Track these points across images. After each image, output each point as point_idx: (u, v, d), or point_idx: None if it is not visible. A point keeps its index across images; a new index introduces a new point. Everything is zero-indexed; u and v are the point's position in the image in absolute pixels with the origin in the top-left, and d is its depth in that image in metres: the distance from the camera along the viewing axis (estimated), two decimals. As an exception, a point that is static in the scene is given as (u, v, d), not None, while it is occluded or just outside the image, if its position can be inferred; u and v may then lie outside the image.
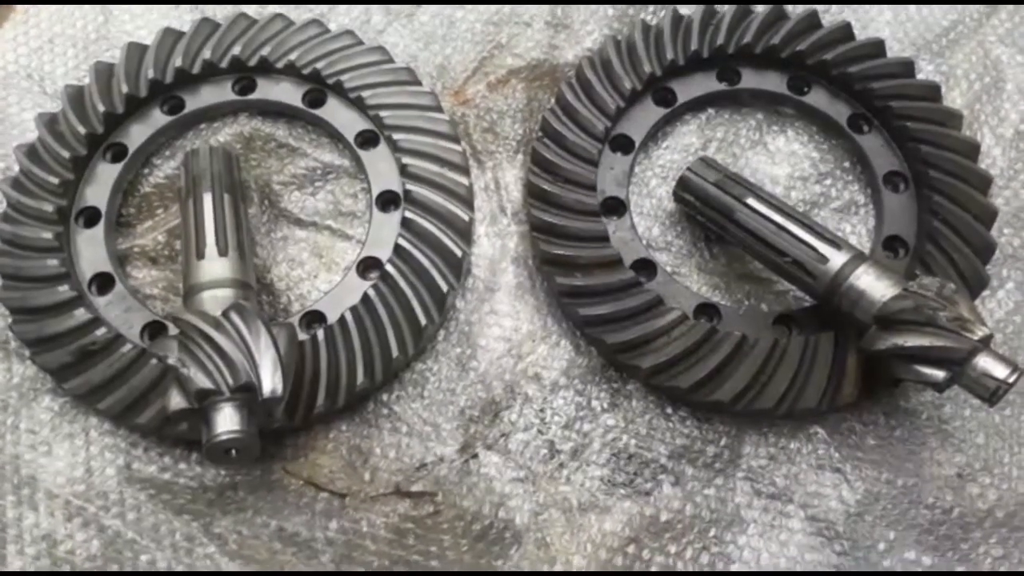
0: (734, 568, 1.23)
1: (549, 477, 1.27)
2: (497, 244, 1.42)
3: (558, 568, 1.21)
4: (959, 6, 1.61)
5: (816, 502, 1.26)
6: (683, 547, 1.23)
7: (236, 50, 1.45)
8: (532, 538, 1.23)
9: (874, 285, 1.19)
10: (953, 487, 1.27)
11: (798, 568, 1.23)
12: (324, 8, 1.59)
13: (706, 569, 1.22)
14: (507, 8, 1.59)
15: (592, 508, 1.25)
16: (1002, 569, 1.22)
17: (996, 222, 1.36)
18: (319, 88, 1.47)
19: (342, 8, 1.60)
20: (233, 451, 1.09)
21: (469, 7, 1.59)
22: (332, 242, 1.41)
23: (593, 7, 1.59)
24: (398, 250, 1.32)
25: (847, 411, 1.30)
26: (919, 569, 1.22)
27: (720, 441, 1.29)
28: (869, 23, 1.61)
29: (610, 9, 1.59)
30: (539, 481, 1.27)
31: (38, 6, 1.60)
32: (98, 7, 1.60)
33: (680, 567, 1.22)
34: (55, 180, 1.34)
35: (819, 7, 1.53)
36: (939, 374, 1.13)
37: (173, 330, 1.26)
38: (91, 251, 1.35)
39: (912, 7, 1.62)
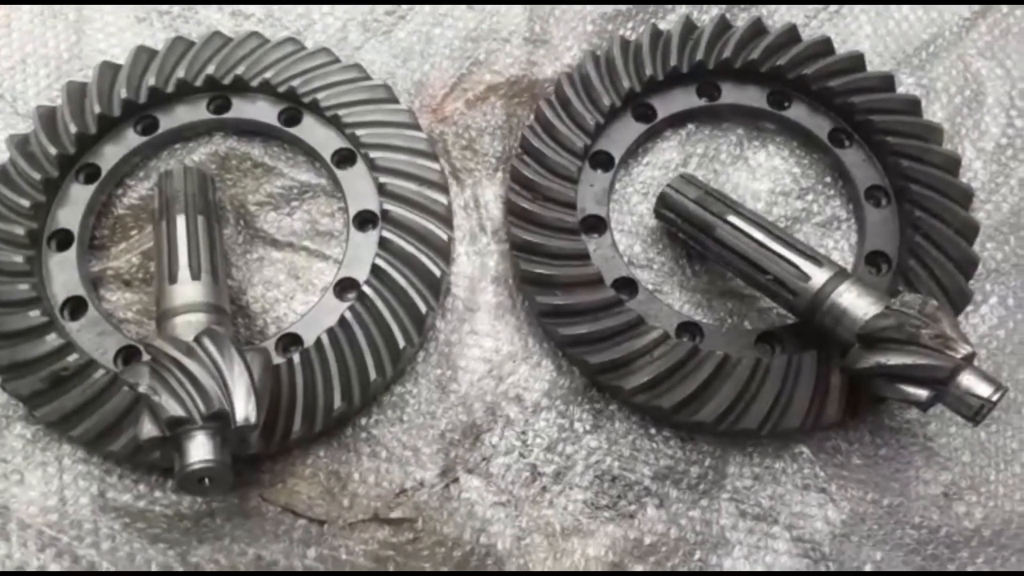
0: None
1: (532, 501, 1.25)
2: (477, 263, 1.41)
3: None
4: (939, 20, 1.61)
5: (802, 523, 1.24)
6: (667, 571, 1.21)
7: (211, 69, 1.44)
8: (515, 564, 1.21)
9: (856, 303, 1.18)
10: (939, 506, 1.25)
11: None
12: (300, 25, 1.58)
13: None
14: (485, 24, 1.58)
15: (575, 532, 1.23)
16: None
17: (978, 236, 1.35)
18: (295, 106, 1.45)
19: (319, 26, 1.58)
20: (206, 480, 1.06)
21: (447, 24, 1.58)
22: (309, 263, 1.39)
23: (572, 23, 1.58)
24: (376, 270, 1.30)
25: (832, 430, 1.29)
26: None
27: (704, 462, 1.28)
28: (849, 37, 1.60)
29: (589, 25, 1.58)
30: (521, 505, 1.25)
31: (10, 26, 1.57)
32: (71, 26, 1.58)
33: (665, 591, 1.21)
34: (26, 203, 1.32)
35: (800, 18, 1.53)
36: (922, 393, 1.12)
37: (147, 355, 1.24)
38: (64, 274, 1.33)
39: (892, 22, 1.61)
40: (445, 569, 1.21)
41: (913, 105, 1.45)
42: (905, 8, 1.62)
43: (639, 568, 1.22)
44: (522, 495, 1.26)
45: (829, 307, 1.19)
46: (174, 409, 1.04)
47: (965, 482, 1.27)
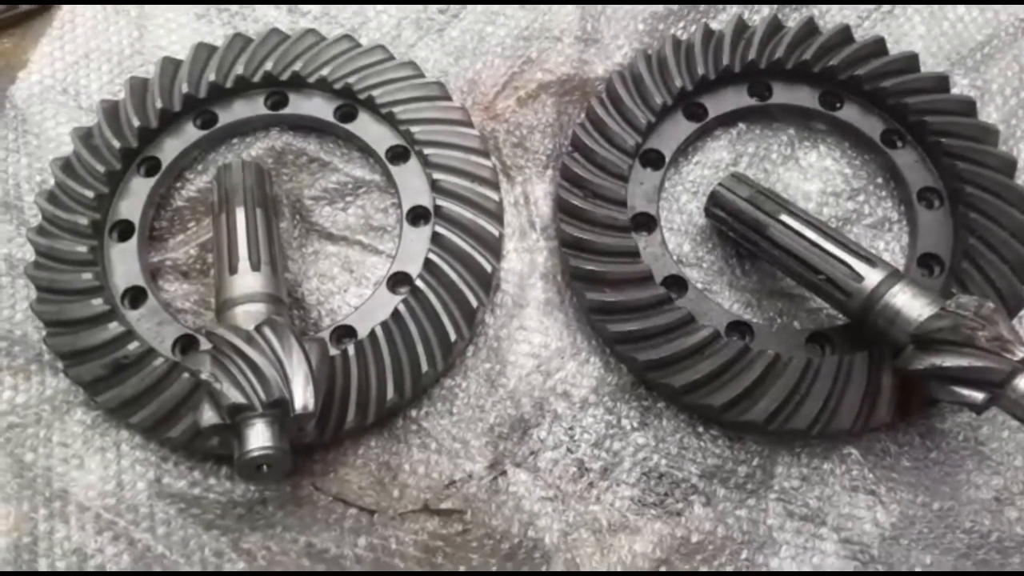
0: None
1: (579, 496, 1.26)
2: (526, 259, 1.42)
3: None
4: (994, 21, 1.59)
5: (850, 525, 1.24)
6: (714, 569, 1.21)
7: (268, 65, 1.46)
8: (562, 559, 1.22)
9: (911, 304, 1.17)
10: (991, 511, 1.24)
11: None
12: (355, 23, 1.60)
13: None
14: (537, 23, 1.59)
15: (622, 528, 1.24)
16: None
17: (1034, 240, 1.34)
18: (350, 103, 1.47)
19: (373, 23, 1.60)
20: (265, 467, 1.08)
21: (500, 22, 1.59)
22: (363, 257, 1.41)
23: (623, 23, 1.58)
24: (428, 265, 1.32)
25: (881, 432, 1.28)
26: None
27: (752, 461, 1.28)
28: (902, 38, 1.59)
29: (640, 24, 1.58)
30: (568, 500, 1.26)
31: (74, 21, 1.61)
32: (133, 23, 1.61)
33: (711, 588, 1.21)
34: (90, 194, 1.36)
35: (852, 18, 1.52)
36: (978, 395, 1.11)
37: (204, 344, 1.27)
38: (124, 265, 1.36)
39: (946, 22, 1.60)
40: (493, 560, 1.22)
41: (968, 106, 1.43)
42: (960, 8, 1.61)
43: (686, 567, 1.22)
44: (569, 490, 1.27)
45: (883, 308, 1.19)
46: (235, 396, 1.06)
47: (1017, 487, 1.26)
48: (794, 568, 1.22)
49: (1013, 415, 1.11)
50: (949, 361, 1.11)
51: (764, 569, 1.22)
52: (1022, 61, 1.56)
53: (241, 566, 1.22)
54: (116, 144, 1.39)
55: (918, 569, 1.21)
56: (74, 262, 1.32)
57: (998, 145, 1.42)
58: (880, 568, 1.21)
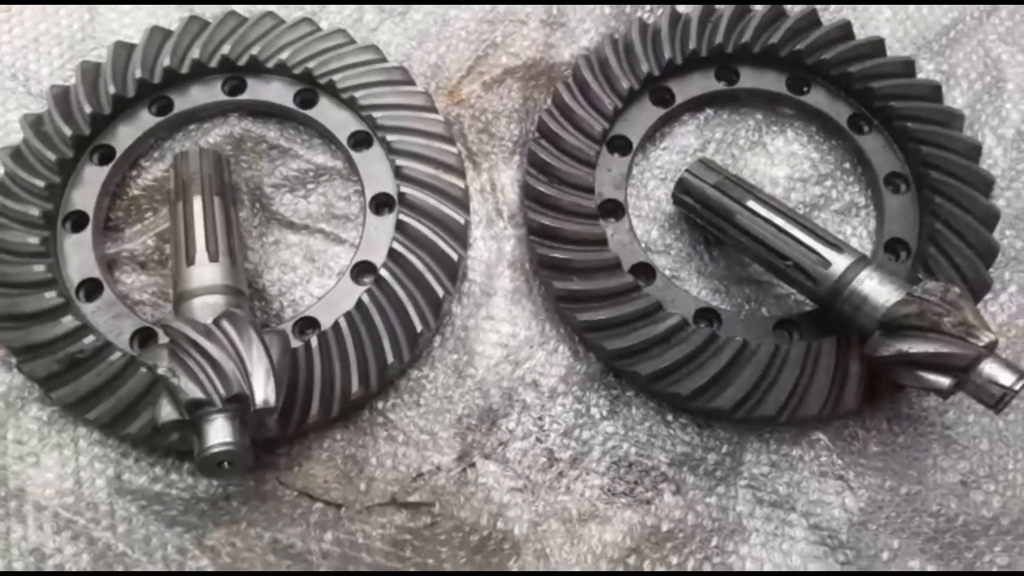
0: (736, 577, 1.21)
1: (548, 486, 1.25)
2: (493, 247, 1.40)
3: (557, 578, 1.20)
4: (959, 5, 1.60)
5: (819, 510, 1.24)
6: (685, 557, 1.21)
7: (225, 49, 1.42)
8: (531, 549, 1.21)
9: (878, 290, 1.18)
10: (957, 494, 1.25)
11: (801, 577, 1.21)
12: (315, 6, 1.56)
13: (708, 578, 1.21)
14: (502, 6, 1.56)
15: (592, 518, 1.23)
16: (1006, 576, 1.21)
17: (998, 224, 1.34)
18: (311, 88, 1.44)
19: (334, 7, 1.57)
20: (226, 463, 1.06)
21: (464, 5, 1.56)
22: (325, 246, 1.39)
23: (589, 6, 1.56)
24: (393, 254, 1.29)
25: (849, 417, 1.29)
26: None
27: (721, 448, 1.27)
28: (868, 22, 1.59)
29: (607, 8, 1.56)
30: (538, 490, 1.25)
31: (22, 4, 1.56)
32: (84, 5, 1.56)
33: (681, 577, 1.21)
34: (41, 183, 1.31)
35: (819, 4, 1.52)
36: (944, 381, 1.11)
37: (163, 337, 1.23)
38: (78, 256, 1.32)
39: (912, 6, 1.60)
40: (462, 553, 1.21)
41: (933, 91, 1.44)
42: (925, -8, 1.61)
43: (656, 555, 1.22)
44: (539, 480, 1.25)
45: (850, 294, 1.19)
46: (193, 392, 1.04)
47: (983, 471, 1.27)
48: (764, 554, 1.22)
49: (978, 399, 1.12)
50: (916, 347, 1.11)
51: (734, 555, 1.22)
52: (987, 45, 1.56)
53: (205, 563, 1.19)
54: (67, 131, 1.34)
55: (885, 554, 1.21)
56: (26, 254, 1.27)
57: (963, 130, 1.42)
58: (849, 553, 1.22)
